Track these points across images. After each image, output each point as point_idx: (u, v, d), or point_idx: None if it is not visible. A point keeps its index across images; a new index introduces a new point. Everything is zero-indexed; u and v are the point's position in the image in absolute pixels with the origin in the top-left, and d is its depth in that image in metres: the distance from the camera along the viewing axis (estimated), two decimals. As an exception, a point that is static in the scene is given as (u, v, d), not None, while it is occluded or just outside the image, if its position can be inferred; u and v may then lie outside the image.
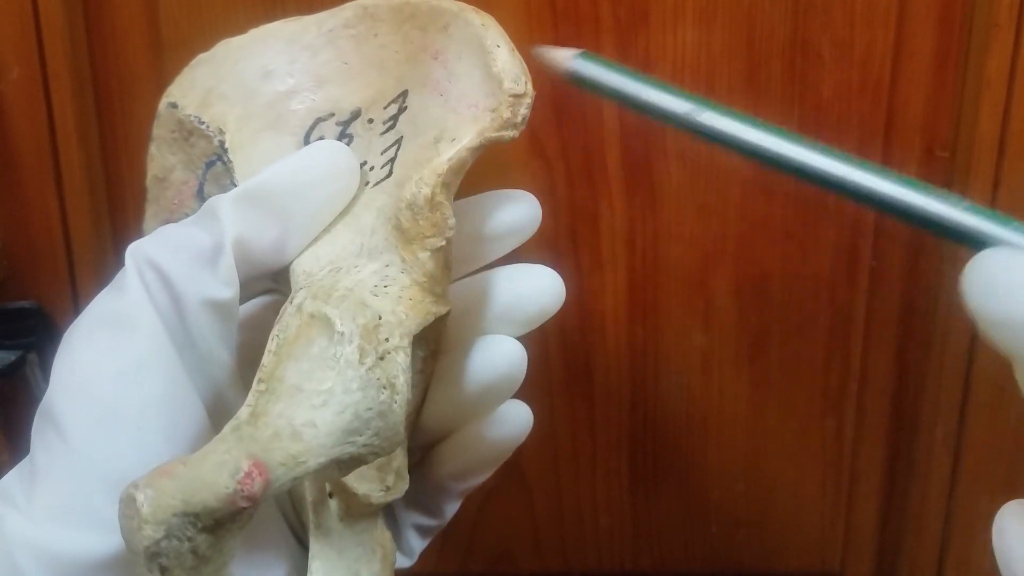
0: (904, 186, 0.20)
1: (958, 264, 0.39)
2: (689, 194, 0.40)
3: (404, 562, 0.31)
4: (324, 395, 0.23)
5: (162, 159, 0.31)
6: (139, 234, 0.31)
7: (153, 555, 0.20)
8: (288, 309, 0.25)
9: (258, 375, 0.24)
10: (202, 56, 0.30)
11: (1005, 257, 0.19)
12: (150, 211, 0.31)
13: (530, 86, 0.27)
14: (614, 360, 0.42)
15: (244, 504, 0.21)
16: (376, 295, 0.25)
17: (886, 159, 0.39)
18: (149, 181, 0.31)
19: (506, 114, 0.26)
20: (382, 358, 0.24)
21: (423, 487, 0.30)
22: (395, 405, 0.24)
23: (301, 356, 0.24)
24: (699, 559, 0.45)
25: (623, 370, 0.42)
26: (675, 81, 0.38)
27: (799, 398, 0.43)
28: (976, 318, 0.19)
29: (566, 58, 0.24)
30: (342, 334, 0.24)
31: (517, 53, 0.27)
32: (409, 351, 0.25)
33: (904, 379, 0.42)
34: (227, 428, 0.23)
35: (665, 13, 0.38)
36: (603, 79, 0.24)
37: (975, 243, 0.19)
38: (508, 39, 0.27)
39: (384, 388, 0.23)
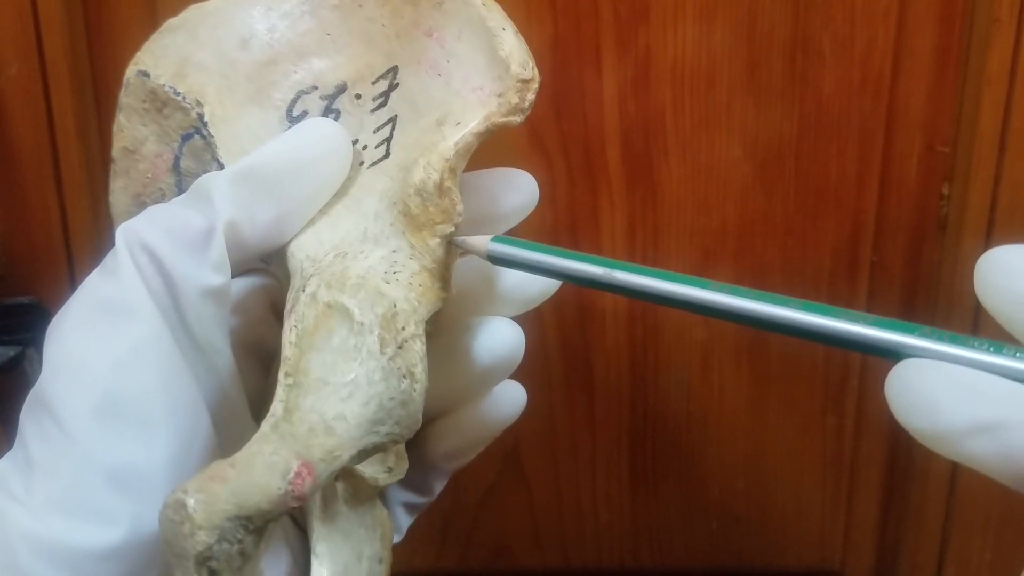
0: (810, 312, 0.21)
1: (959, 259, 0.39)
2: (689, 189, 0.40)
3: (394, 539, 0.31)
4: (349, 387, 0.23)
5: (132, 130, 0.29)
6: (107, 207, 0.30)
7: (205, 559, 0.20)
8: (302, 298, 0.25)
9: (283, 368, 0.24)
10: (172, 21, 0.29)
11: (918, 369, 0.19)
12: (118, 183, 0.30)
13: (536, 71, 0.26)
14: (614, 356, 0.42)
15: (294, 504, 0.21)
16: (388, 282, 0.25)
17: (887, 156, 0.39)
18: (117, 152, 0.30)
19: (514, 99, 0.26)
20: (401, 347, 0.24)
21: (413, 466, 0.30)
22: (415, 393, 0.24)
23: (323, 347, 0.23)
24: (699, 555, 0.45)
25: (623, 366, 0.42)
26: (676, 79, 0.39)
27: (799, 395, 0.43)
28: (906, 429, 0.19)
29: (483, 242, 0.26)
30: (362, 324, 0.24)
31: (521, 36, 0.26)
32: (424, 338, 0.25)
33: (904, 376, 0.42)
34: (266, 426, 0.23)
35: (665, 10, 0.38)
36: (521, 256, 0.25)
37: (889, 354, 0.20)
38: (511, 21, 0.26)
39: (404, 377, 0.24)
